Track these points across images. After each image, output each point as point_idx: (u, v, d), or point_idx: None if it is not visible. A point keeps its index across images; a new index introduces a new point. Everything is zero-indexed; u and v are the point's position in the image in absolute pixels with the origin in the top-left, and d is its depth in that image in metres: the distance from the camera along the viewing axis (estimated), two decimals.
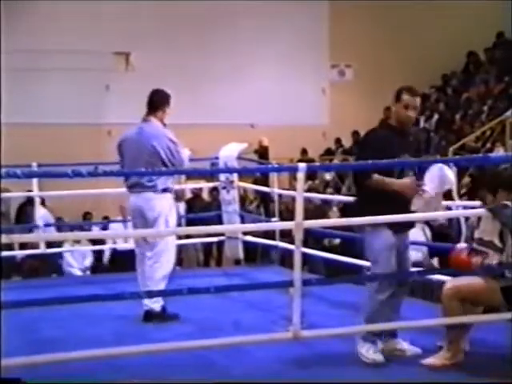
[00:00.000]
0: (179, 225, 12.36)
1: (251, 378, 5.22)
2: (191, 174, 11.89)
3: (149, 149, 6.88)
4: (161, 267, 7.03)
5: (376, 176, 5.24)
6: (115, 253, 13.25)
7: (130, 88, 16.27)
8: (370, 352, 5.38)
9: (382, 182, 5.26)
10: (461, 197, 5.76)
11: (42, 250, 10.33)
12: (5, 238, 4.50)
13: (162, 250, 7.05)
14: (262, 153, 11.96)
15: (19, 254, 12.16)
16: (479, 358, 5.59)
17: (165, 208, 7.02)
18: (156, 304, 6.93)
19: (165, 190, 7.00)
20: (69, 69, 17.00)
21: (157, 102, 7.14)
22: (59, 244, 12.43)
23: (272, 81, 18.36)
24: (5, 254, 11.68)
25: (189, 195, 15.28)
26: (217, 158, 9.66)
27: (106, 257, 13.82)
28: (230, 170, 9.82)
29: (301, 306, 4.97)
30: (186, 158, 7.11)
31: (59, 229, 13.09)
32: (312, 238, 10.83)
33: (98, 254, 13.54)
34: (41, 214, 12.76)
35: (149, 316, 6.97)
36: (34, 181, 9.43)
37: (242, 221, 10.12)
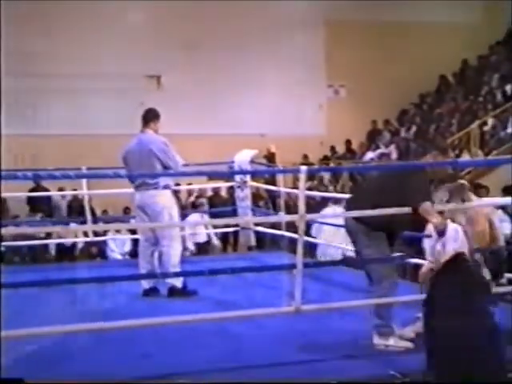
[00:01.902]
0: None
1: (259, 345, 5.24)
2: (212, 176, 11.87)
3: (148, 153, 6.97)
4: (175, 251, 7.06)
5: (429, 203, 4.92)
6: None
7: (160, 104, 16.21)
8: (399, 342, 5.16)
9: (431, 210, 4.87)
10: None
11: (91, 237, 10.38)
12: (61, 229, 4.52)
13: (172, 237, 7.07)
14: (270, 158, 11.94)
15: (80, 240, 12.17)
16: None
17: (167, 202, 7.03)
18: (177, 282, 6.94)
19: (165, 187, 7.03)
20: (111, 89, 17.02)
21: (149, 117, 7.30)
22: (104, 233, 12.48)
23: (279, 99, 18.30)
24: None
25: (210, 193, 15.29)
26: (233, 162, 9.64)
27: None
28: (243, 172, 9.81)
29: (302, 285, 4.97)
30: (180, 160, 7.10)
31: (106, 220, 13.17)
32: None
33: (135, 242, 13.53)
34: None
35: (172, 292, 6.99)
36: (84, 181, 9.41)
37: (254, 214, 10.09)
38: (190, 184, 13.53)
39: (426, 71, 18.49)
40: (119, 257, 13.14)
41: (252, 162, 9.54)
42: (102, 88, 16.89)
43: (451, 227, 4.69)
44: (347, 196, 6.42)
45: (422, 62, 18.42)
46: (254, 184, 10.62)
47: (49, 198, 14.77)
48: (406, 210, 4.94)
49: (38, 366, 4.65)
